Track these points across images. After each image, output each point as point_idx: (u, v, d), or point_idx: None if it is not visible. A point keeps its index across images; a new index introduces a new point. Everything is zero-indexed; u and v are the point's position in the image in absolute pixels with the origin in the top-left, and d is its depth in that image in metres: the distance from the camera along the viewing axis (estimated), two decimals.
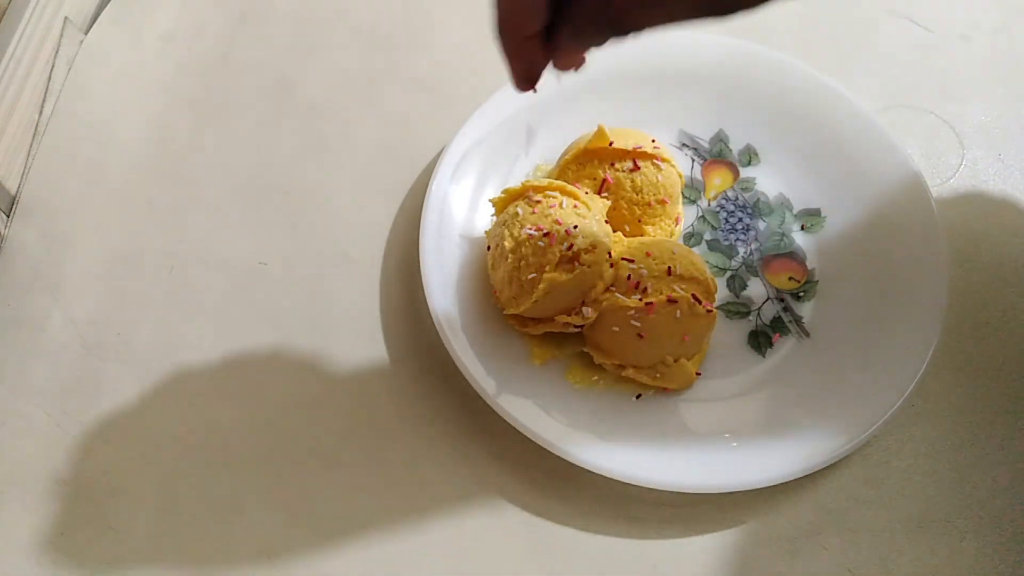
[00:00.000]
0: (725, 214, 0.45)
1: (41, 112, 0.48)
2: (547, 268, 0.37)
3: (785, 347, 0.41)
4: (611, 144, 0.41)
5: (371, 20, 0.53)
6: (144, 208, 0.46)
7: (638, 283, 0.38)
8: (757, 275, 0.43)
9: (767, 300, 0.43)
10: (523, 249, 0.38)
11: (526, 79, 0.30)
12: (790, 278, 0.43)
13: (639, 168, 0.41)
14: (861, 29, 0.52)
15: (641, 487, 0.37)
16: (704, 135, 0.47)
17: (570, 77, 0.32)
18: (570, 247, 0.37)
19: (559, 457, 0.37)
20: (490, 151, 0.45)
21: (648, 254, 0.38)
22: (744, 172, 0.46)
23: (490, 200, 0.41)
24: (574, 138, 0.43)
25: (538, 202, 0.39)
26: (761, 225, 0.45)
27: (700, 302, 0.37)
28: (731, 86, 0.47)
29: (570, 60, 0.30)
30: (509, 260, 0.38)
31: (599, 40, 0.27)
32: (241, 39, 0.52)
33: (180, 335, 0.42)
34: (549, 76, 0.30)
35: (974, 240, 0.45)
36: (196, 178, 0.47)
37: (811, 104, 0.46)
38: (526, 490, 0.38)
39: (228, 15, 0.53)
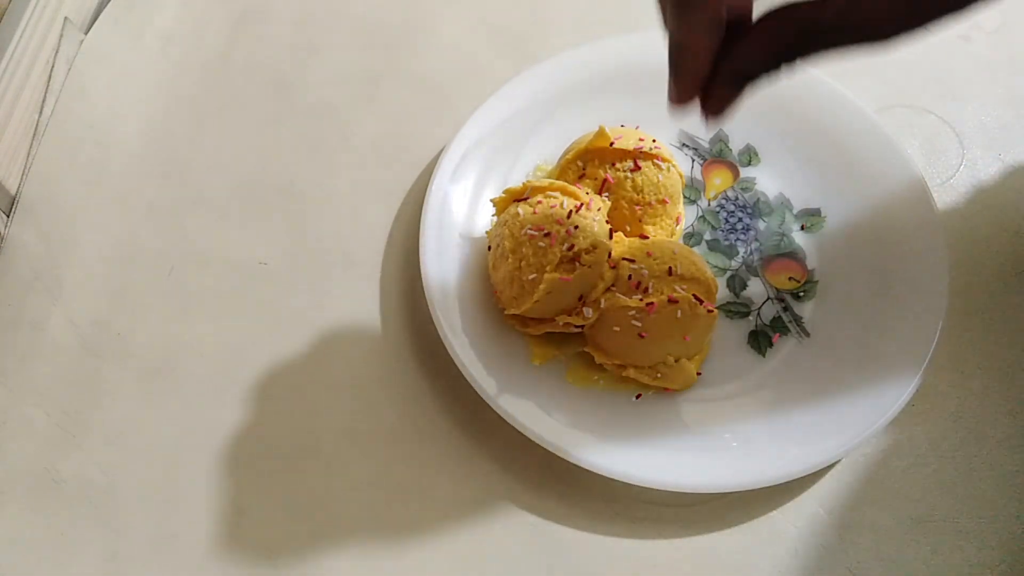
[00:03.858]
0: (725, 214, 0.45)
1: (41, 112, 0.48)
2: (548, 268, 0.37)
3: (785, 347, 0.41)
4: (612, 144, 0.41)
5: (371, 20, 0.53)
6: (144, 208, 0.46)
7: (639, 283, 0.38)
8: (757, 275, 0.43)
9: (767, 300, 0.43)
10: (524, 249, 0.38)
11: (681, 96, 0.29)
12: (790, 278, 0.43)
13: (640, 168, 0.41)
14: None
15: (641, 487, 0.37)
16: (704, 135, 0.47)
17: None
18: (571, 247, 0.37)
19: (559, 457, 0.37)
20: (490, 151, 0.45)
21: (649, 254, 0.38)
22: (744, 172, 0.46)
23: (491, 200, 0.41)
24: (575, 138, 0.43)
25: (539, 202, 0.39)
26: (761, 225, 0.45)
27: (701, 302, 0.37)
28: None
29: (724, 101, 0.29)
30: (510, 260, 0.38)
31: (764, 71, 0.27)
32: (241, 39, 0.52)
33: (180, 335, 0.42)
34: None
35: (974, 240, 0.45)
36: (196, 178, 0.47)
37: (811, 104, 0.46)
38: (526, 490, 0.38)
39: (228, 15, 0.53)
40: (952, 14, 0.25)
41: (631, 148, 0.41)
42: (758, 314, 0.42)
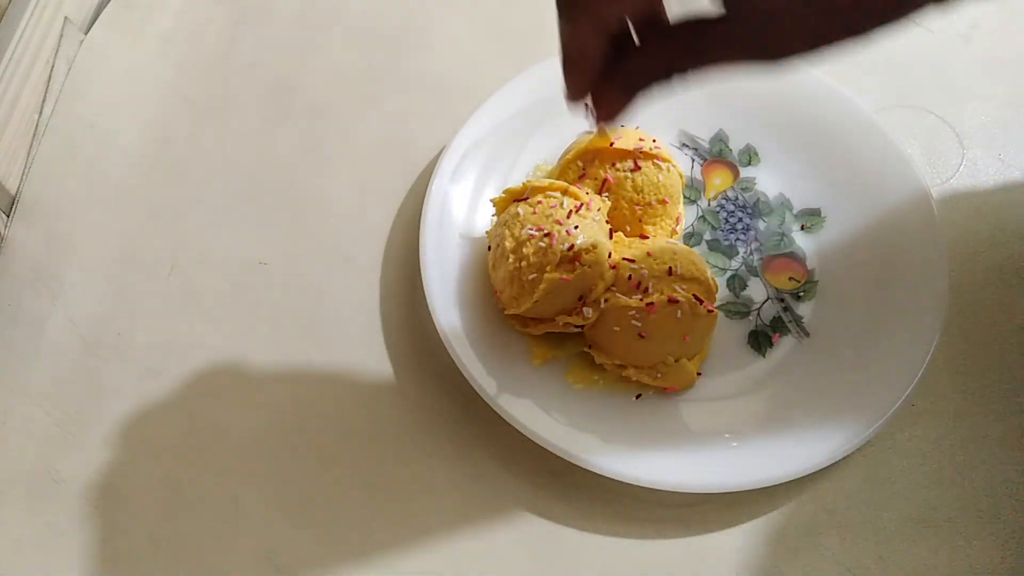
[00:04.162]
0: (725, 214, 0.45)
1: (41, 112, 0.48)
2: (548, 268, 0.37)
3: (785, 347, 0.41)
4: (612, 144, 0.41)
5: (371, 20, 0.53)
6: (144, 208, 0.46)
7: (639, 283, 0.38)
8: (757, 275, 0.43)
9: (767, 300, 0.43)
10: (524, 249, 0.38)
11: (571, 93, 0.29)
12: (790, 278, 0.43)
13: (640, 168, 0.41)
14: None
15: (641, 487, 0.37)
16: (704, 135, 0.47)
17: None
18: (571, 247, 0.37)
19: (559, 457, 0.37)
20: (490, 151, 0.45)
21: (649, 254, 0.38)
22: (744, 172, 0.46)
23: (491, 200, 0.41)
24: (575, 138, 0.43)
25: (539, 202, 0.39)
26: (761, 225, 0.45)
27: (701, 302, 0.37)
28: (731, 86, 0.47)
29: (612, 106, 0.29)
30: (510, 260, 0.38)
31: (654, 81, 0.28)
32: (241, 39, 0.52)
33: (180, 335, 0.42)
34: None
35: (974, 240, 0.45)
36: (196, 178, 0.47)
37: (811, 104, 0.46)
38: (526, 490, 0.38)
39: (228, 15, 0.53)
40: (857, 38, 0.24)
41: (631, 148, 0.41)
42: (758, 314, 0.42)
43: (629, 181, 0.41)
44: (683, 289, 0.37)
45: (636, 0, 0.26)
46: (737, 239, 0.44)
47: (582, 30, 0.27)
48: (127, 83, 0.51)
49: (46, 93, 0.49)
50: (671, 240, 0.42)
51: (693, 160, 0.47)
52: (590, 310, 0.38)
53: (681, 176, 0.43)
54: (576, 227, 0.37)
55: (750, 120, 0.47)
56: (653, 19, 0.27)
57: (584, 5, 0.27)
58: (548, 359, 0.40)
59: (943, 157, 0.48)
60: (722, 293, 0.43)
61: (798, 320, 0.42)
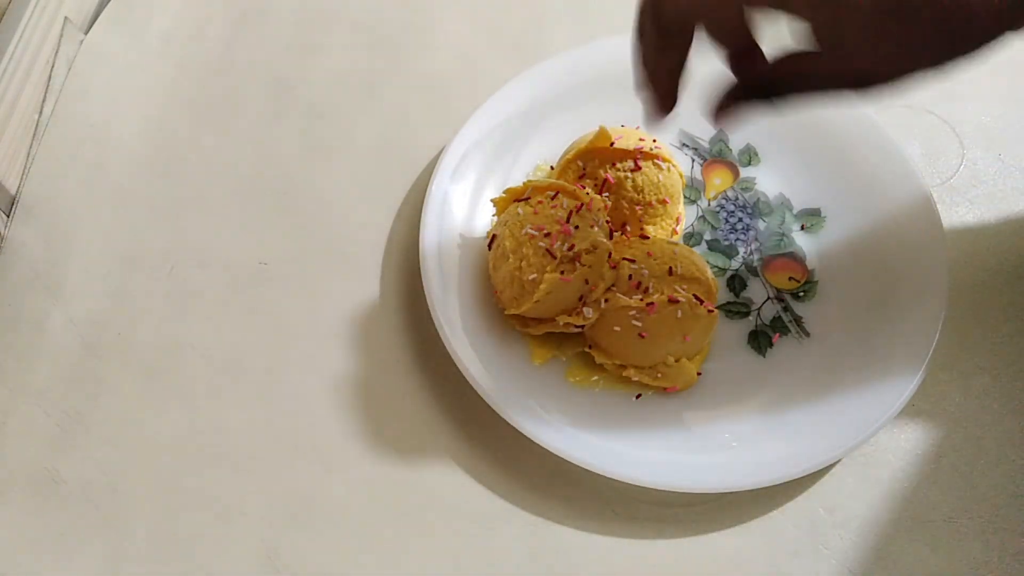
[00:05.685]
0: (725, 214, 0.45)
1: (41, 112, 0.48)
2: (548, 268, 0.37)
3: (785, 347, 0.41)
4: (612, 144, 0.41)
5: (371, 20, 0.53)
6: (144, 208, 0.46)
7: (639, 283, 0.38)
8: (757, 275, 0.43)
9: (767, 300, 0.43)
10: (524, 249, 0.38)
11: (662, 108, 0.33)
12: (790, 278, 0.43)
13: (640, 168, 0.41)
14: None
15: (641, 487, 0.37)
16: (704, 135, 0.47)
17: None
18: (571, 247, 0.37)
19: (559, 457, 0.37)
20: (490, 151, 0.45)
21: (649, 254, 0.38)
22: (744, 172, 0.46)
23: (491, 200, 0.41)
24: (575, 138, 0.43)
25: (539, 202, 0.39)
26: (761, 225, 0.45)
27: (701, 302, 0.37)
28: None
29: (728, 119, 0.33)
30: (510, 260, 0.38)
31: (754, 107, 0.32)
32: (241, 39, 0.52)
33: (180, 335, 0.42)
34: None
35: (974, 240, 0.45)
36: (196, 178, 0.47)
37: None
38: (526, 490, 0.38)
39: (228, 15, 0.53)
40: (936, 68, 0.28)
41: (631, 148, 0.41)
42: (758, 314, 0.42)
43: (629, 181, 0.41)
44: (683, 289, 0.37)
45: (735, 37, 0.29)
46: (737, 239, 0.44)
47: (669, 59, 0.31)
48: (127, 83, 0.51)
49: (46, 93, 0.49)
50: (671, 240, 0.42)
51: (693, 160, 0.47)
52: (590, 310, 0.38)
53: (681, 176, 0.43)
54: (576, 227, 0.37)
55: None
56: (750, 51, 0.30)
57: (675, 37, 0.30)
58: (548, 359, 0.40)
59: (943, 157, 0.48)
60: (722, 293, 0.43)
61: (798, 320, 0.42)
